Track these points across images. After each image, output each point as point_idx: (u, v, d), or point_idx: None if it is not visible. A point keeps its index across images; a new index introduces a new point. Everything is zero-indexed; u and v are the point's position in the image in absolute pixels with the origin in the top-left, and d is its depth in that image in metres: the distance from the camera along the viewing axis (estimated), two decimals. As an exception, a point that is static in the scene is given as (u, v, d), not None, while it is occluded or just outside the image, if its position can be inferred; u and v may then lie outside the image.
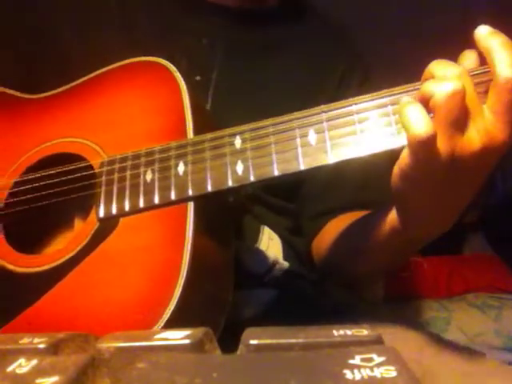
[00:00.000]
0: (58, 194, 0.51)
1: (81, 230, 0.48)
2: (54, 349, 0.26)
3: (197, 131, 0.47)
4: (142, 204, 0.45)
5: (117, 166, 0.48)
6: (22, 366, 0.23)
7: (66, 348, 0.27)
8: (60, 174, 0.51)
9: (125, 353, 0.25)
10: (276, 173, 0.42)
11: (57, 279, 0.45)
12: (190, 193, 0.44)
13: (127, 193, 0.46)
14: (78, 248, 0.47)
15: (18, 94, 0.60)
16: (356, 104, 0.42)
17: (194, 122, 0.47)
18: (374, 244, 0.52)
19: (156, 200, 0.45)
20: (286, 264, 0.64)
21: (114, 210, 0.46)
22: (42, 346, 0.26)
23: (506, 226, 1.46)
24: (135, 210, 0.46)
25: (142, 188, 0.46)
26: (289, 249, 0.66)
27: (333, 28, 0.75)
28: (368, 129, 0.41)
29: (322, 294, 0.70)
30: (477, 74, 0.39)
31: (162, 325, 0.39)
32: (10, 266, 0.49)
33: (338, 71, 0.70)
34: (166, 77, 0.51)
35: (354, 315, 0.61)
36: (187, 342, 0.25)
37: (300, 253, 0.69)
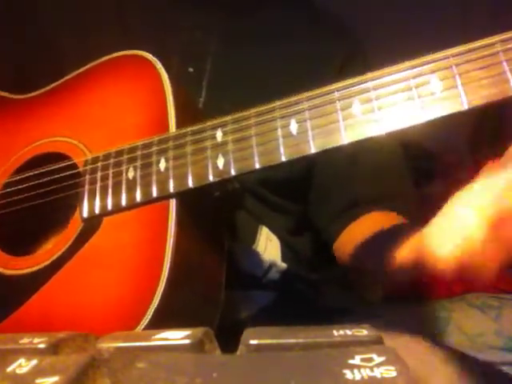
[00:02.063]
0: (44, 195, 0.51)
1: (67, 230, 0.48)
2: (54, 349, 0.26)
3: (180, 125, 0.46)
4: (124, 202, 0.45)
5: (100, 164, 0.47)
6: (22, 366, 0.23)
7: (66, 348, 0.27)
8: (46, 174, 0.51)
9: (125, 353, 0.25)
10: (257, 166, 0.41)
11: (45, 280, 0.45)
12: (172, 189, 0.43)
13: (110, 191, 0.46)
14: (64, 248, 0.46)
15: (7, 94, 0.60)
16: (338, 91, 0.40)
17: (176, 115, 0.46)
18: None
19: (138, 198, 0.44)
20: (283, 265, 0.64)
21: (97, 210, 0.46)
22: (41, 345, 0.26)
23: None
24: (118, 209, 0.45)
25: (124, 186, 0.45)
26: (287, 250, 0.66)
27: (331, 16, 0.74)
28: (350, 116, 0.39)
29: (320, 295, 0.70)
30: None
31: (146, 323, 0.39)
32: (0, 269, 0.49)
33: (338, 59, 0.68)
34: (149, 70, 0.50)
35: (353, 317, 0.61)
36: (187, 341, 0.25)
37: (299, 253, 0.68)
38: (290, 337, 0.25)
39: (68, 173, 0.50)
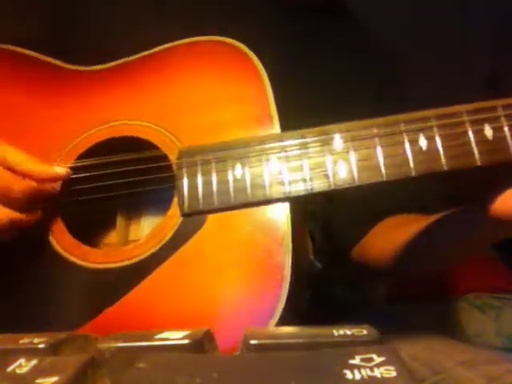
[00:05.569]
0: (131, 185, 0.47)
1: (161, 224, 0.45)
2: (54, 349, 0.26)
3: (281, 122, 0.46)
4: (233, 200, 0.43)
5: (198, 157, 0.45)
6: (22, 366, 0.23)
7: (66, 348, 0.27)
8: (132, 162, 0.48)
9: (125, 353, 0.25)
10: (384, 178, 0.41)
11: (139, 276, 0.43)
12: (285, 193, 0.42)
13: (214, 188, 0.44)
14: (161, 243, 0.44)
15: (60, 63, 0.54)
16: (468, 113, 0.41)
17: (278, 112, 0.46)
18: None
19: (250, 197, 0.43)
20: (319, 264, 0.64)
21: (201, 206, 0.43)
22: (41, 345, 0.26)
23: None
24: (225, 207, 0.43)
25: (231, 184, 0.43)
26: (320, 250, 0.66)
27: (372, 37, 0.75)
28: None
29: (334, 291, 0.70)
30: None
31: (275, 322, 0.38)
32: (80, 262, 0.45)
33: (372, 88, 0.69)
34: (244, 62, 0.48)
35: (351, 317, 0.61)
36: (187, 341, 0.25)
37: (329, 255, 0.68)
38: (290, 337, 0.25)
39: (159, 163, 0.47)
